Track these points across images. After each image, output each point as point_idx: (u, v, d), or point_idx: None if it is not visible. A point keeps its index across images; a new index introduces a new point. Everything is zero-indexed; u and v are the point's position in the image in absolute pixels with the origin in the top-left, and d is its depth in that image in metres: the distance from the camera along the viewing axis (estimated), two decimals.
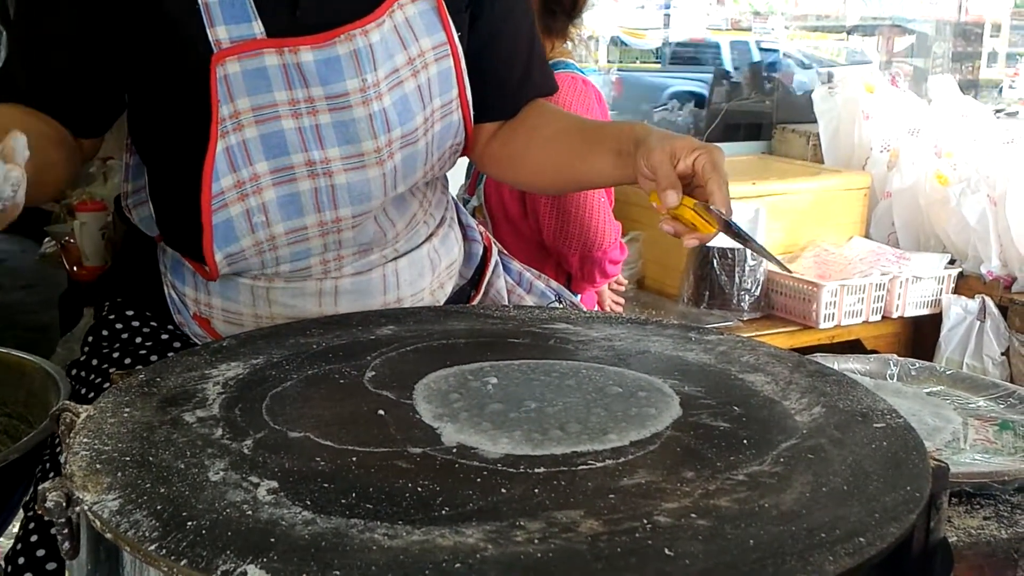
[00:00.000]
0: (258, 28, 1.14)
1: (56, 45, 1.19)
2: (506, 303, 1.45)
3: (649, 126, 1.24)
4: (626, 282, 2.71)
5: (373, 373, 0.99)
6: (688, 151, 1.09)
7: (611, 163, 1.23)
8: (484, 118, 1.35)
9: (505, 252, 1.56)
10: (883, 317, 3.26)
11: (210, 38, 1.13)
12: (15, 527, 1.20)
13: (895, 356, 1.62)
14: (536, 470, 0.78)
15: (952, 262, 3.37)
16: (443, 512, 0.71)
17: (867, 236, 3.56)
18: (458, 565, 0.64)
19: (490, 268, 1.48)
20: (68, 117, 1.20)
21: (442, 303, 1.37)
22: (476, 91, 1.31)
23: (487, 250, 1.49)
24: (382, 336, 1.11)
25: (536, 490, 0.75)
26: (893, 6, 4.93)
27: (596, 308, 2.49)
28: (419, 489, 0.74)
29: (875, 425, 0.88)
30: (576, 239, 2.32)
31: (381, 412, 0.89)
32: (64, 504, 0.71)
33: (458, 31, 1.25)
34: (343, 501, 0.72)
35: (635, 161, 1.15)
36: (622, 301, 2.65)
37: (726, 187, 1.07)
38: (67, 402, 0.86)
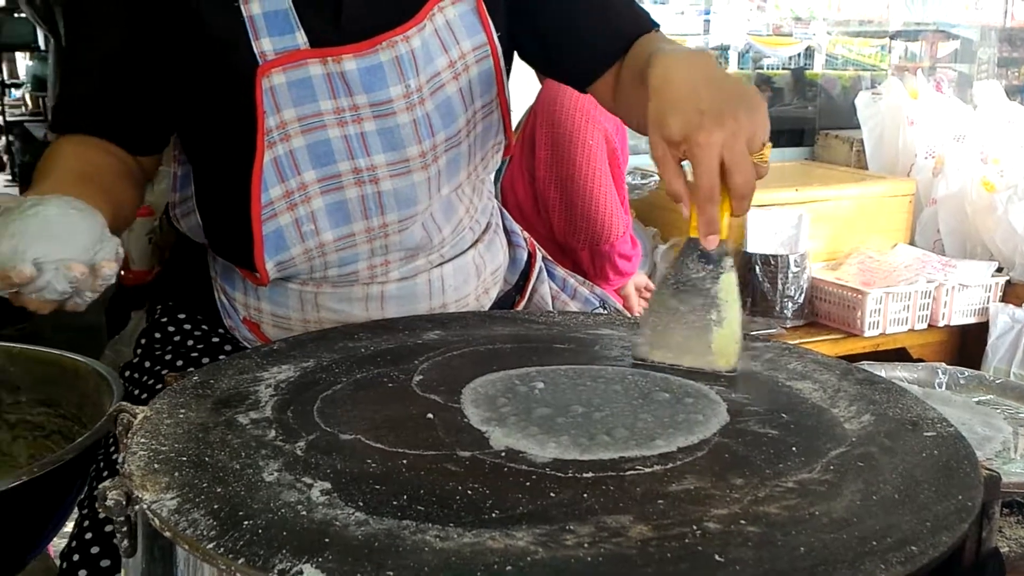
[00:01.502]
0: (301, 39, 1.15)
1: (105, 66, 1.21)
2: (550, 309, 1.46)
3: (654, 54, 1.06)
4: None
5: (421, 377, 1.00)
6: (693, 142, 0.93)
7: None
8: (585, 80, 1.31)
9: (549, 258, 1.56)
10: (929, 325, 3.22)
11: (255, 50, 1.14)
12: (67, 526, 1.22)
13: (943, 364, 1.61)
14: (584, 475, 0.79)
15: (999, 270, 3.33)
16: (493, 515, 0.72)
17: (912, 243, 3.52)
18: (509, 568, 0.64)
19: (534, 274, 1.48)
20: (124, 137, 1.22)
21: (487, 309, 1.38)
22: (567, 56, 1.28)
23: (532, 256, 1.50)
24: (429, 340, 1.12)
25: (585, 494, 0.75)
26: (937, 11, 4.87)
27: None
28: (469, 492, 0.75)
29: (925, 434, 0.87)
30: (583, 232, 2.34)
31: (430, 415, 0.90)
32: (124, 503, 0.73)
33: (498, 31, 1.25)
34: (395, 503, 0.73)
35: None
36: None
37: (747, 188, 0.94)
38: (124, 403, 0.87)
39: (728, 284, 1.01)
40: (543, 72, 1.41)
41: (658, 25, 1.28)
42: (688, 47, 1.11)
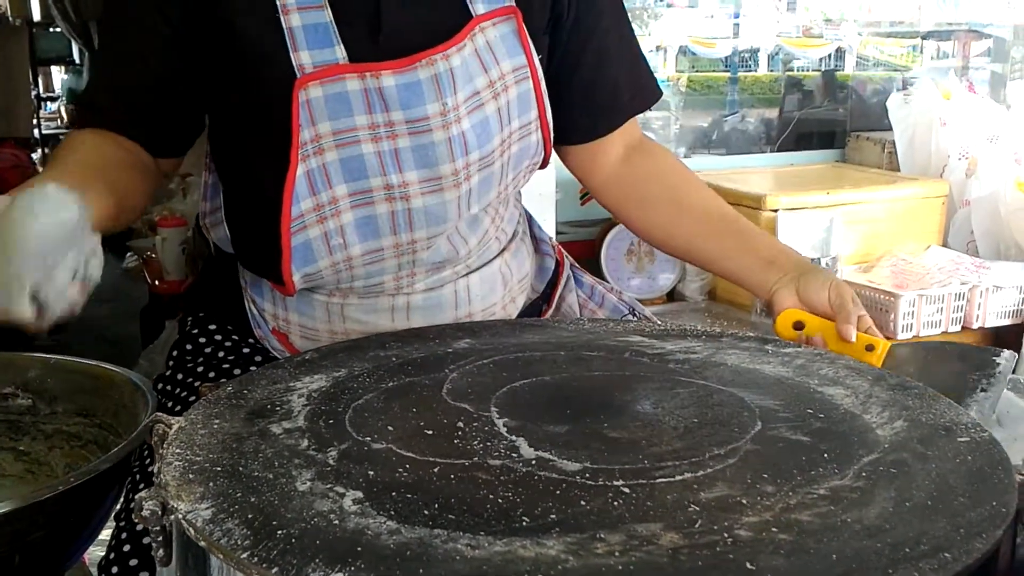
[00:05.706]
0: (340, 53, 1.15)
1: (135, 66, 1.23)
2: (579, 317, 1.46)
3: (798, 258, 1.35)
4: None
5: (451, 386, 1.01)
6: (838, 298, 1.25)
7: (759, 273, 1.33)
8: (591, 135, 1.42)
9: (577, 265, 1.56)
10: (963, 328, 3.19)
11: (293, 63, 1.14)
12: (102, 535, 1.24)
13: None
14: (615, 482, 0.79)
15: None
16: (524, 523, 0.72)
17: (945, 245, 3.49)
18: None
19: (562, 282, 1.48)
20: (147, 138, 1.24)
21: (514, 317, 1.38)
22: (582, 112, 1.38)
23: (559, 264, 1.50)
24: (459, 349, 1.13)
25: (615, 502, 0.75)
26: (969, 11, 4.82)
27: None
28: (499, 500, 0.75)
29: (959, 439, 0.86)
30: None
31: (460, 424, 0.91)
32: (160, 513, 0.74)
33: (538, 53, 1.26)
34: (426, 512, 0.73)
35: (795, 292, 1.28)
36: None
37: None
38: (160, 414, 0.88)
39: None
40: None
41: (657, 98, 1.45)
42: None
